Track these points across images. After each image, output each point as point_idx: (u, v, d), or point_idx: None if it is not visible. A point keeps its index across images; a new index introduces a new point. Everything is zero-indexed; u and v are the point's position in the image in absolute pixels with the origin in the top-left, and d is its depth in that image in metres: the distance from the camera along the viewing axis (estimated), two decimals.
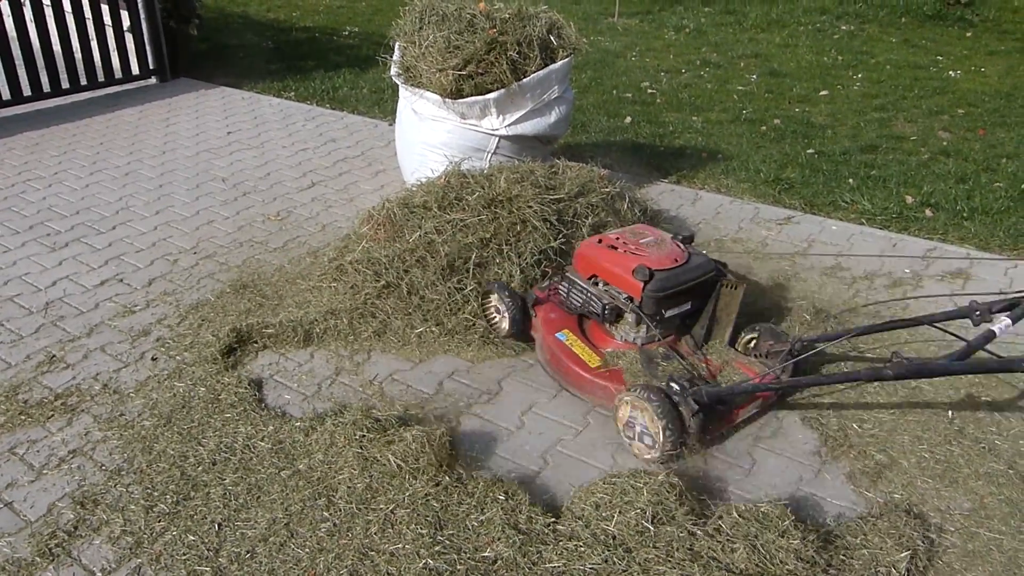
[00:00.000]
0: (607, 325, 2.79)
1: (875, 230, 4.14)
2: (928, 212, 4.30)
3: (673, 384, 2.42)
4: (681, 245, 2.76)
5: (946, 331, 2.58)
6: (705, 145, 5.37)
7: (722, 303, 2.74)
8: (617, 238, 2.78)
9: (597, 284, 2.77)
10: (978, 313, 2.36)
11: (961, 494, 2.35)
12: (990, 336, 2.25)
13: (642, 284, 2.58)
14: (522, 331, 2.96)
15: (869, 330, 2.67)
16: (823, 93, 6.64)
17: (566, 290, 2.86)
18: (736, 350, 2.78)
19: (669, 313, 2.67)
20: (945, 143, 5.41)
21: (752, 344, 2.81)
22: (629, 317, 2.72)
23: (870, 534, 2.14)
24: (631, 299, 2.65)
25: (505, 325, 2.95)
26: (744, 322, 2.83)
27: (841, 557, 2.07)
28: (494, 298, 2.99)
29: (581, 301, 2.80)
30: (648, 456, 2.45)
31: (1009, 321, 2.27)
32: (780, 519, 2.09)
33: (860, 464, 2.46)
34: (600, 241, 2.80)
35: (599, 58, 7.68)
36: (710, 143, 5.41)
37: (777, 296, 3.41)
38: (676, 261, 2.67)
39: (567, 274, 2.87)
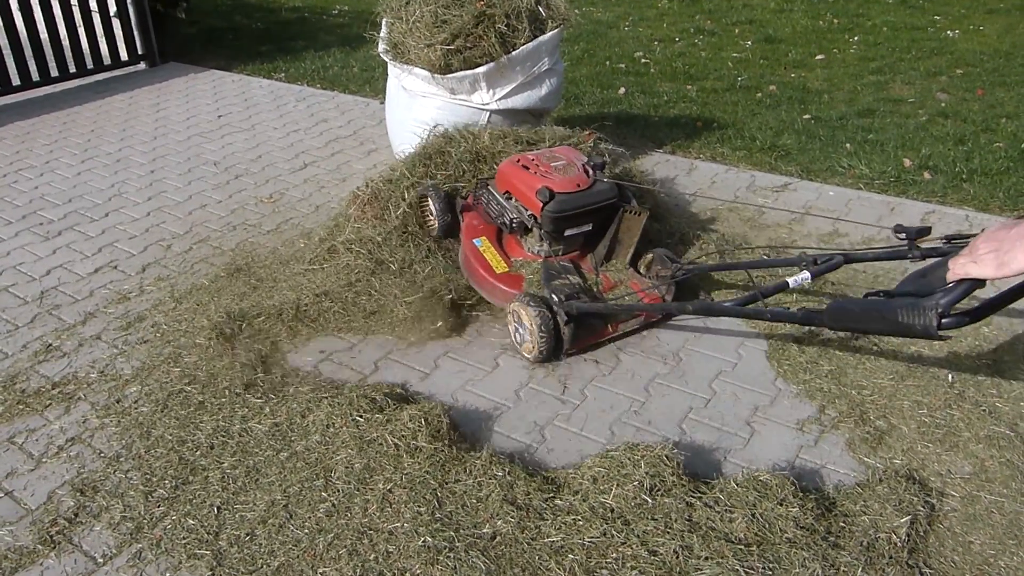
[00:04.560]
0: (518, 237, 3.05)
1: (873, 194, 4.10)
2: (927, 175, 4.26)
3: (554, 296, 2.71)
4: (589, 171, 2.94)
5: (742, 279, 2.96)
6: (700, 114, 5.32)
7: (624, 227, 2.96)
8: (533, 159, 2.99)
9: (510, 199, 3.00)
10: (804, 263, 2.46)
11: (962, 458, 2.34)
12: (782, 286, 2.37)
13: (542, 204, 2.79)
14: (450, 233, 3.24)
15: (729, 267, 3.05)
16: (819, 58, 6.56)
17: (486, 201, 3.12)
18: (638, 272, 3.04)
19: (569, 232, 2.91)
20: (943, 104, 5.34)
21: (647, 268, 3.08)
22: (535, 232, 2.97)
23: (870, 500, 2.14)
24: (534, 217, 2.88)
25: (436, 226, 3.23)
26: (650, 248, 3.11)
27: (841, 524, 2.07)
28: (429, 200, 3.23)
29: (496, 213, 3.06)
30: (528, 356, 2.77)
31: (808, 275, 2.38)
32: (779, 488, 2.09)
33: (859, 431, 2.45)
34: (518, 161, 3.01)
35: (591, 29, 7.59)
36: (705, 112, 5.35)
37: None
38: (579, 186, 2.86)
39: (488, 186, 3.12)
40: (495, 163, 3.35)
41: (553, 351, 2.72)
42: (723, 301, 2.62)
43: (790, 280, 2.36)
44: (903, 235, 2.31)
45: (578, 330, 2.73)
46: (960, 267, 1.65)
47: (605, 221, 2.98)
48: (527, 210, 2.92)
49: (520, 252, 3.06)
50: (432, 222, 3.25)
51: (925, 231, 2.29)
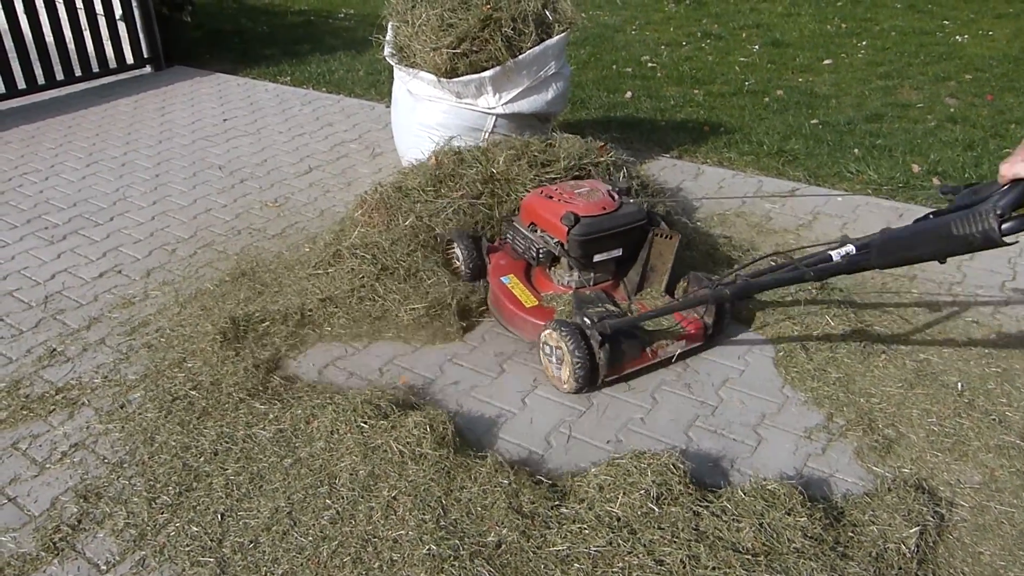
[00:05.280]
0: (547, 270, 2.99)
1: (881, 200, 4.07)
2: (935, 181, 4.23)
3: (585, 319, 2.59)
4: (615, 195, 2.89)
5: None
6: (707, 118, 5.30)
7: (655, 251, 2.88)
8: (556, 189, 2.96)
9: (535, 231, 2.93)
10: (847, 241, 2.35)
11: (971, 467, 2.32)
12: (825, 258, 2.30)
13: (567, 229, 2.74)
14: (478, 276, 3.18)
15: (774, 271, 2.73)
16: (827, 62, 6.54)
17: (511, 237, 3.07)
18: (675, 298, 2.90)
19: (598, 257, 2.83)
20: (952, 110, 5.32)
21: (685, 292, 2.94)
22: (563, 262, 2.90)
23: (878, 510, 2.12)
24: (561, 244, 2.81)
25: (464, 270, 3.19)
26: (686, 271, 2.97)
27: (849, 534, 2.05)
28: (455, 246, 3.19)
29: (523, 247, 2.99)
30: (566, 387, 2.63)
31: (852, 247, 2.29)
32: (787, 497, 2.07)
33: (868, 439, 2.43)
34: (541, 192, 2.98)
35: (598, 33, 7.58)
36: (712, 116, 5.34)
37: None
38: (604, 209, 2.80)
39: (513, 222, 3.07)
40: (510, 188, 3.30)
41: (590, 380, 2.58)
42: (760, 274, 2.52)
43: (833, 253, 2.28)
44: (949, 193, 2.18)
45: (615, 353, 2.58)
46: (1009, 168, 1.54)
47: (635, 246, 2.89)
48: (553, 238, 2.84)
49: (549, 286, 2.98)
50: (459, 266, 3.21)
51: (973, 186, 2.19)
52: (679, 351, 2.76)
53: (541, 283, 3.01)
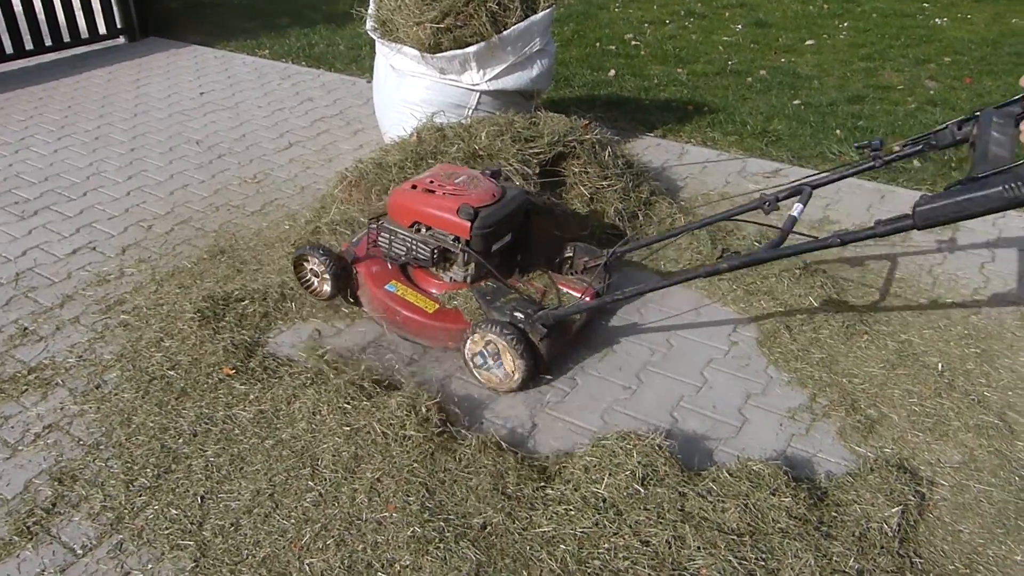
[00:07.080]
0: (434, 268, 2.80)
1: (863, 182, 4.08)
2: (916, 163, 4.25)
3: (517, 314, 2.50)
4: (493, 180, 2.79)
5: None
6: (691, 98, 5.27)
7: (534, 229, 2.84)
8: (431, 181, 2.74)
9: (419, 231, 2.74)
10: (767, 204, 2.43)
11: (951, 447, 2.34)
12: (793, 220, 2.30)
13: (469, 223, 2.58)
14: (344, 290, 2.88)
15: (674, 234, 2.85)
16: (809, 43, 6.53)
17: (387, 241, 2.80)
18: (558, 271, 2.89)
19: (495, 247, 2.70)
20: (932, 92, 5.34)
21: (568, 264, 2.93)
22: (456, 257, 2.74)
23: (861, 490, 2.13)
24: (458, 239, 2.66)
25: (327, 288, 2.84)
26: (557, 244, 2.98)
27: (833, 514, 2.06)
28: (309, 262, 2.86)
29: (405, 249, 2.76)
30: (506, 387, 2.54)
31: (800, 206, 2.35)
32: (771, 477, 2.08)
33: (851, 419, 2.45)
34: (415, 187, 2.74)
35: (582, 10, 7.50)
36: (696, 96, 5.31)
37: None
38: (495, 196, 2.69)
39: (385, 224, 2.80)
40: (493, 163, 3.22)
41: (534, 375, 2.54)
42: (759, 250, 2.29)
43: (793, 212, 2.31)
44: (867, 148, 2.42)
45: (554, 343, 2.55)
46: None
47: (519, 228, 2.80)
48: (448, 235, 2.68)
49: (437, 284, 2.80)
50: (318, 285, 2.88)
51: (884, 142, 2.34)
52: (582, 323, 2.75)
53: (426, 282, 2.82)
